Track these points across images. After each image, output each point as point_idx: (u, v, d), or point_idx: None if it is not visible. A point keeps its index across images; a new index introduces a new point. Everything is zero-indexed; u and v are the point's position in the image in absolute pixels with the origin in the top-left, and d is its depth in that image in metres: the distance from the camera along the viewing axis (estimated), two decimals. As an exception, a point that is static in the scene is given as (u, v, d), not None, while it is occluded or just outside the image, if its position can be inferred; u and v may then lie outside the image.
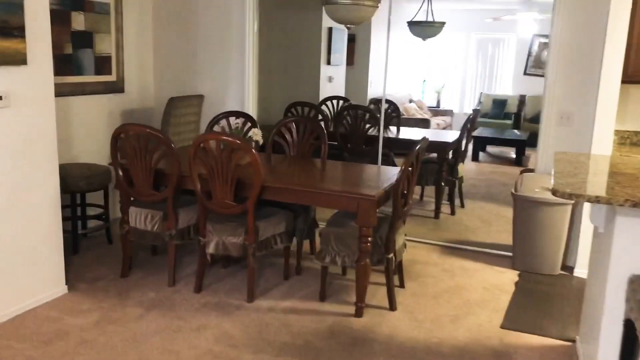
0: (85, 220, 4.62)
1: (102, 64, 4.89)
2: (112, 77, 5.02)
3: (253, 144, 3.80)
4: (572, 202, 4.06)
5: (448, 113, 11.15)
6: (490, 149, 9.78)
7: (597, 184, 2.54)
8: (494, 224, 5.51)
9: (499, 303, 3.76)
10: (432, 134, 6.66)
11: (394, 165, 5.70)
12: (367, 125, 5.70)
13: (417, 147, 3.45)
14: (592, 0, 4.12)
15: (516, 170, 8.26)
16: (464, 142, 5.87)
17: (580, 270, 4.21)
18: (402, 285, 3.93)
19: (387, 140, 5.59)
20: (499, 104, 10.91)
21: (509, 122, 10.64)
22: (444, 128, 10.18)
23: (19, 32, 3.10)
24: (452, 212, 5.81)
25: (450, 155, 5.79)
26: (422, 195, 6.33)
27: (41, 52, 3.31)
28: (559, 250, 4.23)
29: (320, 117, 6.09)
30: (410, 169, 3.43)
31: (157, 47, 5.45)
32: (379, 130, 5.45)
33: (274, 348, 3.09)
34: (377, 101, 7.44)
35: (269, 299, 3.69)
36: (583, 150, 4.17)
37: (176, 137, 5.03)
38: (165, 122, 4.95)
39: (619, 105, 4.11)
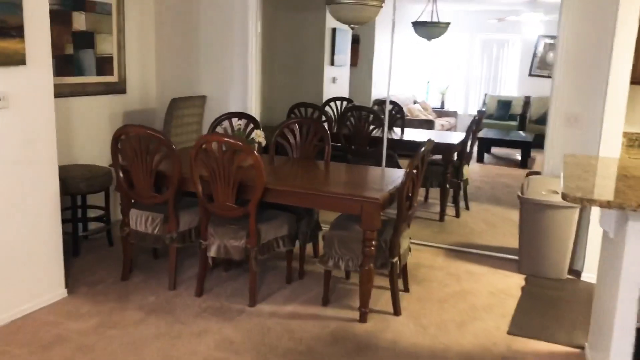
0: (86, 223, 4.57)
1: (104, 65, 4.85)
2: (113, 78, 4.97)
3: (255, 145, 3.75)
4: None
5: (452, 114, 11.08)
6: (495, 150, 9.71)
7: (608, 188, 2.47)
8: (500, 226, 5.44)
9: (506, 308, 3.69)
10: (437, 136, 6.60)
11: (398, 166, 5.64)
12: (371, 127, 5.64)
13: (423, 149, 3.38)
14: (600, 0, 4.05)
15: (521, 172, 8.20)
16: (469, 143, 5.79)
17: (588, 275, 4.14)
18: (406, 290, 3.86)
19: (391, 141, 5.52)
20: (504, 105, 10.83)
21: (514, 123, 10.56)
22: (449, 129, 10.11)
23: (17, 32, 3.05)
24: (457, 215, 5.74)
25: (455, 157, 5.72)
26: (426, 197, 6.26)
27: (40, 53, 3.26)
28: (566, 254, 4.16)
29: (323, 118, 6.03)
30: (415, 171, 3.37)
31: (159, 48, 5.40)
32: (382, 132, 5.39)
33: (276, 354, 3.03)
34: (381, 102, 7.38)
35: (271, 303, 3.63)
36: (591, 152, 4.10)
37: (178, 138, 4.98)
38: (167, 123, 4.90)
39: (628, 107, 4.03)
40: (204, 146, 3.39)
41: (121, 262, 3.96)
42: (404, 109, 7.24)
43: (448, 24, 6.58)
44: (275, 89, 6.96)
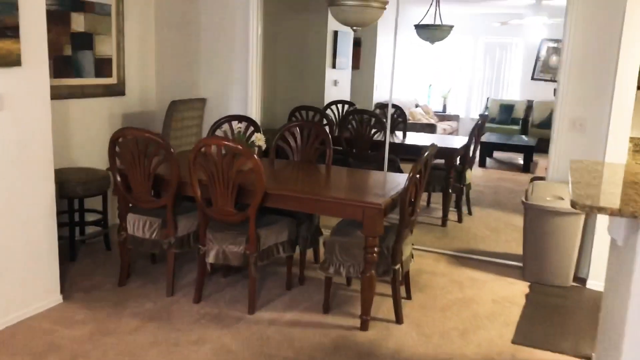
0: (83, 227, 4.50)
1: (103, 66, 4.78)
2: (112, 80, 4.91)
3: (256, 149, 3.68)
4: (586, 211, 3.91)
5: (454, 118, 11.00)
6: (497, 154, 9.63)
7: (618, 195, 2.40)
8: (503, 232, 5.36)
9: (510, 316, 3.62)
10: (439, 140, 6.52)
11: (400, 171, 5.57)
12: (373, 130, 5.57)
13: (426, 154, 3.32)
14: (606, 4, 3.99)
15: (524, 176, 8.13)
16: (471, 148, 5.72)
17: (594, 282, 4.07)
18: (408, 297, 3.79)
19: (393, 145, 5.46)
20: (506, 109, 10.76)
21: (516, 127, 10.48)
22: (450, 133, 10.03)
23: (12, 32, 2.99)
24: (460, 220, 5.67)
25: (458, 162, 5.65)
26: (428, 202, 6.19)
27: (36, 53, 3.19)
28: (572, 261, 4.08)
29: (325, 121, 5.96)
30: (418, 176, 3.30)
31: (159, 49, 5.34)
32: (384, 136, 5.32)
33: (275, 363, 2.96)
34: (382, 105, 7.31)
35: (271, 310, 3.56)
36: (596, 157, 4.03)
37: (177, 141, 4.92)
38: (167, 125, 4.83)
39: (634, 111, 3.96)
40: (203, 150, 3.32)
41: (119, 267, 3.88)
42: (406, 113, 7.17)
43: (451, 27, 6.52)
44: (276, 92, 6.89)
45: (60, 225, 3.83)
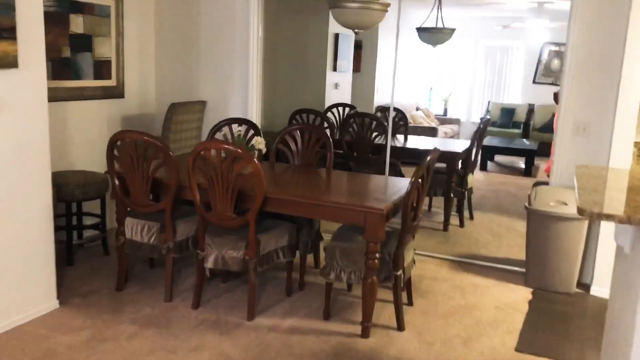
0: (81, 230, 4.45)
1: (102, 68, 4.74)
2: (111, 82, 4.86)
3: (255, 152, 3.63)
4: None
5: (455, 121, 10.95)
6: (499, 158, 9.58)
7: (627, 202, 2.34)
8: (505, 237, 5.31)
9: (513, 323, 3.56)
10: (441, 143, 6.49)
11: (401, 175, 5.52)
12: (374, 134, 5.53)
13: (428, 159, 3.27)
14: (610, 7, 3.94)
15: (526, 180, 8.08)
16: (473, 152, 5.67)
17: (598, 289, 4.02)
18: (410, 303, 3.74)
19: (394, 149, 5.41)
20: (508, 112, 10.72)
21: (517, 131, 10.44)
22: (452, 137, 9.98)
23: (9, 33, 2.95)
24: (461, 224, 5.62)
25: (460, 166, 5.61)
26: (430, 206, 6.14)
27: (34, 55, 3.15)
28: (575, 267, 4.03)
29: (325, 124, 5.92)
30: (420, 180, 3.25)
31: (158, 52, 5.30)
32: (386, 139, 5.27)
33: (275, 371, 2.91)
34: (383, 109, 7.26)
35: (270, 316, 3.51)
36: (600, 162, 3.98)
37: (177, 144, 4.87)
38: (166, 128, 4.79)
39: (639, 116, 3.91)
40: (202, 153, 3.28)
41: (116, 272, 3.83)
42: (407, 116, 7.12)
43: (453, 30, 6.47)
44: (277, 95, 6.84)
45: (57, 228, 3.79)
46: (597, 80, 4.05)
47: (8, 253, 3.16)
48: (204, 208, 3.43)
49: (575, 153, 4.16)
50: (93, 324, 3.30)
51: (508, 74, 11.20)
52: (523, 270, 4.35)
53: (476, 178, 7.23)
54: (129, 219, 3.71)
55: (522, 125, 10.49)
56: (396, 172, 5.38)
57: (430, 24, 6.80)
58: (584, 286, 4.13)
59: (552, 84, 10.32)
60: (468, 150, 5.62)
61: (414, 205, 3.32)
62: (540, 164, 8.85)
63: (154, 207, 3.59)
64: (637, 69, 3.76)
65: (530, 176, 8.44)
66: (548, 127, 9.35)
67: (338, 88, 7.34)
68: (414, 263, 3.70)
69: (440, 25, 6.52)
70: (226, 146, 3.24)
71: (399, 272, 3.31)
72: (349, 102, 7.31)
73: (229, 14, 4.99)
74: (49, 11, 4.12)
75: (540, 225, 4.03)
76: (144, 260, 4.20)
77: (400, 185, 3.65)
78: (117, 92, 4.92)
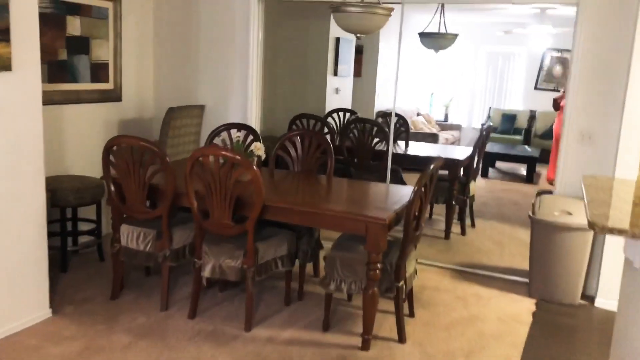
0: (76, 236, 4.37)
1: (99, 71, 4.66)
2: (109, 85, 4.79)
3: (255, 159, 3.55)
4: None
5: (456, 127, 10.89)
6: (500, 164, 9.51)
7: (637, 215, 2.27)
8: (507, 246, 5.23)
9: (517, 336, 3.48)
10: (443, 150, 6.42)
11: (402, 181, 5.45)
12: (375, 140, 5.45)
13: (432, 167, 3.19)
14: (617, 13, 3.87)
15: (527, 187, 8.01)
16: (475, 159, 5.60)
17: (602, 300, 3.94)
18: (411, 314, 3.65)
19: (395, 155, 5.33)
20: (509, 119, 10.65)
21: (518, 137, 10.37)
22: (452, 143, 9.92)
23: (3, 35, 2.87)
24: (463, 232, 5.54)
25: (462, 173, 5.53)
26: (431, 214, 6.05)
27: (28, 58, 3.07)
28: (580, 278, 3.95)
29: (325, 130, 5.84)
30: (423, 189, 3.17)
31: (157, 55, 5.22)
32: (387, 145, 5.20)
33: (273, 385, 2.82)
34: (384, 114, 7.19)
35: (269, 327, 3.42)
36: (606, 171, 3.91)
37: (175, 149, 4.79)
38: (164, 133, 4.71)
39: (646, 125, 3.85)
40: (200, 159, 3.20)
41: (111, 279, 3.74)
42: (408, 122, 7.04)
43: (456, 35, 6.41)
44: (277, 99, 6.77)
45: (52, 234, 3.71)
46: (603, 87, 3.98)
47: (-1, 260, 3.08)
48: (201, 216, 3.35)
49: (580, 162, 4.09)
50: (86, 334, 3.21)
51: (509, 80, 11.14)
52: (526, 280, 4.27)
53: (477, 185, 7.17)
54: (124, 226, 3.62)
55: (523, 132, 10.43)
56: (397, 179, 5.30)
57: (431, 29, 6.74)
58: (588, 298, 4.05)
59: (553, 90, 10.26)
60: (470, 158, 5.55)
61: (417, 214, 3.24)
62: (542, 171, 8.79)
63: (150, 214, 3.51)
64: (644, 77, 3.69)
65: (532, 183, 8.37)
66: (549, 134, 9.28)
67: (339, 93, 7.27)
68: (416, 273, 3.62)
69: (442, 30, 6.45)
70: (224, 152, 3.16)
71: (401, 283, 3.23)
72: (350, 107, 7.24)
73: (229, 17, 4.92)
74: (45, 13, 4.05)
75: (544, 235, 3.95)
76: (140, 268, 4.12)
77: (403, 193, 3.57)
78: (114, 96, 4.84)
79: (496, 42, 10.60)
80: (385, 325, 3.51)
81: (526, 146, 9.73)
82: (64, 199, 3.96)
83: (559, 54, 10.30)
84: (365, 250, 3.10)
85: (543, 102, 10.35)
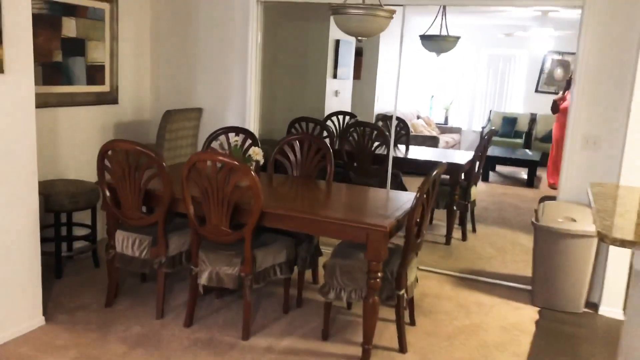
0: (70, 242, 4.29)
1: (95, 73, 4.58)
2: (105, 88, 4.71)
3: (253, 164, 3.48)
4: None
5: (456, 130, 10.81)
6: (500, 168, 9.44)
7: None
8: (509, 252, 5.15)
9: (520, 346, 3.41)
10: (444, 154, 6.36)
11: (403, 186, 5.38)
12: (375, 144, 5.38)
13: (434, 173, 3.11)
14: (622, 15, 3.79)
15: (528, 192, 7.95)
16: (477, 164, 5.52)
17: (607, 309, 3.88)
18: (412, 323, 3.58)
19: (395, 159, 5.25)
20: (509, 122, 10.58)
21: (519, 141, 10.30)
22: (453, 146, 9.84)
23: (-6, 37, 2.79)
24: (464, 238, 5.46)
25: (463, 177, 5.46)
26: (431, 219, 5.97)
27: (21, 60, 2.99)
28: (584, 286, 3.88)
29: (325, 133, 5.77)
30: (425, 196, 3.09)
31: (154, 57, 5.15)
32: (387, 149, 5.12)
33: (270, 398, 2.74)
34: (384, 117, 7.11)
35: (267, 336, 3.34)
36: (611, 177, 3.84)
37: (172, 152, 4.71)
38: (161, 136, 4.63)
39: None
40: (197, 164, 3.12)
41: (106, 286, 3.67)
42: (408, 125, 6.97)
43: (458, 38, 6.33)
44: (276, 102, 6.69)
45: (46, 240, 3.64)
46: (608, 91, 3.91)
47: (-10, 268, 3.00)
48: (198, 222, 3.27)
49: (585, 167, 4.01)
50: (80, 343, 3.13)
51: (510, 83, 11.07)
52: (528, 287, 4.20)
53: (478, 189, 7.10)
54: (119, 232, 3.54)
55: (524, 135, 10.36)
56: (397, 183, 5.23)
57: (432, 31, 6.67)
58: (592, 305, 3.98)
59: (554, 93, 10.18)
60: (471, 162, 5.48)
61: (419, 221, 3.17)
62: (543, 174, 8.71)
63: (145, 220, 3.43)
64: (650, 80, 3.62)
65: (533, 187, 8.30)
66: (550, 138, 9.21)
67: (338, 96, 7.20)
68: (417, 281, 3.54)
69: (444, 33, 6.38)
70: (222, 158, 3.08)
71: (402, 292, 3.15)
72: (350, 110, 7.16)
73: (228, 19, 4.84)
74: (40, 14, 3.97)
75: (548, 242, 3.88)
76: (136, 274, 4.03)
77: (404, 199, 3.50)
78: (110, 98, 4.77)
79: (497, 44, 10.53)
80: (386, 334, 3.43)
81: (527, 150, 9.66)
82: (58, 204, 3.88)
83: (559, 57, 10.23)
84: (365, 258, 3.02)
85: (544, 105, 10.27)
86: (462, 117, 11.29)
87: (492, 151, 9.13)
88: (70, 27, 4.28)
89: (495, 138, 10.29)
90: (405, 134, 6.09)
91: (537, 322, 3.74)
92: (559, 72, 10.29)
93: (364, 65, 8.38)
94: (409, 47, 7.99)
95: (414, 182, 4.27)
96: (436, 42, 6.20)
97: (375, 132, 5.36)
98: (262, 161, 3.60)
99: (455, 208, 5.32)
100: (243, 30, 4.79)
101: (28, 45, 3.03)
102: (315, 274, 4.09)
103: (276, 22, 6.28)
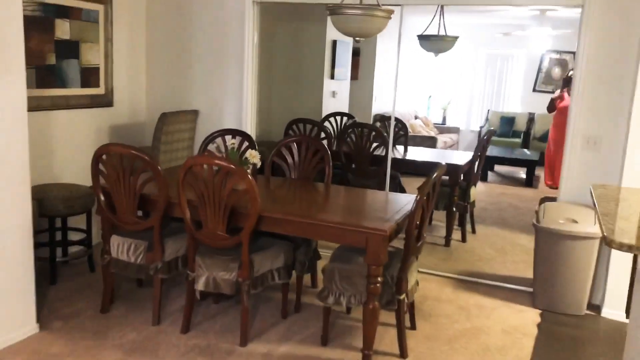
0: (66, 246, 4.23)
1: (89, 76, 4.52)
2: (99, 90, 4.65)
3: (250, 167, 3.42)
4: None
5: (454, 130, 10.77)
6: (498, 167, 9.41)
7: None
8: (509, 253, 5.11)
9: (522, 349, 3.36)
10: (443, 155, 6.31)
11: (402, 187, 5.33)
12: (374, 144, 5.32)
13: (434, 175, 3.06)
14: (622, 13, 3.75)
15: (527, 191, 7.91)
16: (476, 164, 5.48)
17: (609, 311, 3.83)
18: (413, 327, 3.53)
19: (394, 160, 5.20)
20: (507, 121, 10.54)
21: (517, 140, 10.27)
22: (451, 146, 9.80)
23: (-16, 39, 2.74)
24: (463, 239, 5.42)
25: (462, 178, 5.41)
26: (431, 220, 5.93)
27: (12, 62, 2.94)
28: (586, 288, 3.83)
29: (323, 135, 5.72)
30: (425, 198, 3.04)
31: (150, 59, 5.09)
32: (386, 150, 5.07)
33: (269, 406, 2.69)
34: (382, 118, 7.06)
35: (265, 342, 3.29)
36: (612, 178, 3.80)
37: (168, 155, 4.65)
38: (157, 139, 4.57)
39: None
40: (193, 168, 3.07)
41: (102, 291, 3.61)
42: (407, 125, 6.92)
43: (456, 37, 6.29)
44: (273, 103, 6.64)
45: (40, 245, 3.58)
46: (608, 92, 3.86)
47: (-17, 275, 2.94)
48: (194, 226, 3.22)
49: (585, 168, 3.97)
50: (74, 351, 3.07)
51: (508, 82, 11.03)
52: (529, 289, 4.15)
53: (477, 189, 7.05)
54: (115, 237, 3.49)
55: (522, 135, 10.33)
56: (396, 185, 5.18)
57: (430, 31, 6.62)
58: (594, 307, 3.94)
59: (552, 92, 10.15)
60: (471, 163, 5.43)
61: (419, 224, 3.12)
62: (541, 174, 8.68)
63: (141, 225, 3.38)
64: (652, 80, 3.57)
65: (532, 187, 8.26)
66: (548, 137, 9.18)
67: (336, 96, 7.14)
68: (418, 284, 3.49)
69: (442, 32, 6.33)
70: (218, 161, 3.03)
71: (402, 296, 3.10)
72: (347, 111, 7.10)
73: (224, 20, 4.79)
74: (33, 16, 3.92)
75: (549, 244, 3.83)
76: (131, 279, 3.97)
77: (403, 202, 3.45)
78: (105, 101, 4.71)
79: (495, 44, 10.49)
80: (386, 338, 3.38)
81: (525, 149, 9.63)
82: (53, 208, 3.83)
83: (557, 56, 10.20)
84: (365, 262, 2.97)
85: (542, 105, 10.22)
86: (460, 117, 11.25)
87: (491, 151, 9.08)
88: (64, 29, 4.22)
89: (493, 138, 10.25)
90: (403, 134, 6.05)
91: (539, 325, 3.70)
92: (556, 71, 10.26)
93: (361, 65, 8.33)
94: (406, 47, 7.95)
95: (412, 183, 4.22)
96: (434, 42, 6.15)
97: (373, 133, 5.31)
98: (259, 164, 3.55)
99: (454, 209, 5.27)
100: (239, 31, 4.73)
101: (19, 48, 2.97)
102: (314, 278, 4.04)
103: (272, 23, 6.23)
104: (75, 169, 4.43)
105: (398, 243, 3.22)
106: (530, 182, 8.46)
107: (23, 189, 3.11)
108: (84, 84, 4.49)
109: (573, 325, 3.71)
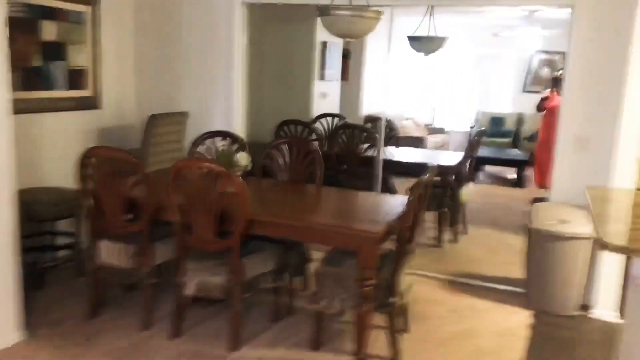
0: (53, 251, 4.16)
1: (76, 78, 4.46)
2: (87, 92, 4.59)
3: (240, 170, 3.38)
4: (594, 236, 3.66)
5: (444, 131, 10.78)
6: (488, 168, 9.42)
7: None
8: (501, 254, 5.10)
9: (515, 352, 3.34)
10: (433, 156, 6.30)
11: (393, 189, 5.31)
12: (365, 145, 5.30)
13: (426, 177, 3.04)
14: (612, 14, 3.75)
15: (517, 191, 7.92)
16: (467, 165, 5.47)
17: (602, 312, 3.82)
18: (406, 330, 3.50)
19: (384, 161, 5.18)
20: (497, 122, 10.59)
21: (507, 140, 10.31)
22: (441, 146, 9.81)
23: (-33, 41, 2.68)
24: (455, 240, 5.40)
25: (453, 178, 5.40)
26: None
27: (-4, 65, 2.88)
28: (578, 289, 3.83)
29: (313, 136, 5.69)
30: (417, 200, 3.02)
31: (138, 60, 5.03)
32: (377, 152, 5.04)
33: (261, 412, 2.65)
34: (372, 119, 7.04)
35: (256, 346, 3.25)
36: (602, 179, 3.78)
37: (157, 157, 4.59)
38: (146, 141, 4.51)
39: (644, 129, 3.73)
40: (182, 171, 3.02)
41: (90, 296, 3.55)
42: (397, 126, 6.92)
43: (445, 38, 6.28)
44: (262, 105, 6.60)
45: (27, 250, 3.51)
46: (598, 92, 3.85)
47: (-33, 282, 2.88)
48: (184, 230, 3.17)
49: (576, 169, 3.96)
50: (62, 358, 3.01)
51: (497, 83, 11.07)
52: (521, 290, 4.14)
53: (468, 190, 7.05)
54: (103, 241, 3.43)
55: (511, 135, 10.36)
56: (387, 186, 5.15)
57: (419, 32, 6.61)
58: (587, 308, 3.92)
59: (541, 92, 10.19)
60: (461, 163, 5.42)
61: (411, 226, 3.09)
62: (531, 174, 8.70)
63: (129, 229, 3.33)
64: (641, 80, 3.57)
65: (522, 187, 8.27)
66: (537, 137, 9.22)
67: (326, 97, 7.12)
68: (411, 287, 3.46)
69: (432, 33, 6.32)
70: (207, 164, 2.99)
71: (395, 299, 3.07)
72: (338, 112, 7.08)
73: (212, 22, 4.74)
74: (17, 17, 3.86)
75: (541, 245, 3.82)
76: (120, 283, 3.91)
77: (395, 203, 3.43)
78: (93, 103, 4.65)
79: (484, 44, 10.51)
80: (378, 342, 3.34)
81: (515, 149, 9.66)
82: (40, 212, 3.77)
83: (546, 56, 10.24)
84: (356, 265, 2.94)
85: (531, 105, 10.24)
86: (449, 118, 11.26)
87: (481, 151, 9.06)
88: (50, 31, 4.16)
89: (483, 138, 10.27)
90: (394, 135, 6.03)
91: (531, 326, 3.69)
92: (546, 72, 10.30)
93: (351, 66, 8.31)
94: (396, 47, 7.94)
95: (404, 184, 4.19)
96: (424, 43, 6.15)
97: (364, 134, 5.29)
98: (249, 166, 3.51)
99: (445, 210, 5.25)
100: (228, 32, 4.69)
101: (3, 50, 2.91)
102: (305, 282, 4.00)
103: (261, 24, 6.19)
104: (62, 173, 4.35)
105: (392, 245, 3.18)
106: (520, 182, 8.47)
107: (6, 194, 3.04)
108: (72, 86, 4.43)
109: (567, 327, 3.71)
